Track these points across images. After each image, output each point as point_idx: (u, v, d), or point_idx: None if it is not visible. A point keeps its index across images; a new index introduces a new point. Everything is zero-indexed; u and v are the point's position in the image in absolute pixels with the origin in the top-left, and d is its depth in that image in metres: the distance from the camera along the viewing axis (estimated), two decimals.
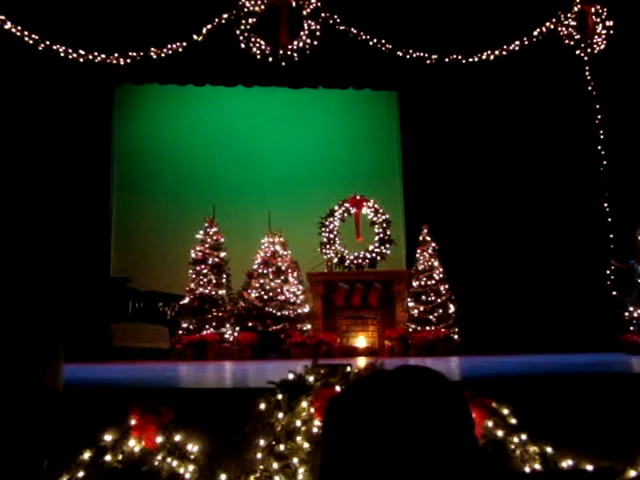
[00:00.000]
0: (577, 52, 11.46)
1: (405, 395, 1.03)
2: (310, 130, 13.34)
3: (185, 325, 10.16)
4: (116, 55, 10.70)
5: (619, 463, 3.85)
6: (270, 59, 10.94)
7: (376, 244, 11.02)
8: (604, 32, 11.31)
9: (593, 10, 11.41)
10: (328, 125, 13.37)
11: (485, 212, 11.47)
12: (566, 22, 11.48)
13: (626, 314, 9.31)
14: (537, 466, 3.78)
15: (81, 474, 3.34)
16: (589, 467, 3.81)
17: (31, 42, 10.31)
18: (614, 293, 10.37)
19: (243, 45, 10.90)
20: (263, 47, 10.92)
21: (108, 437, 3.47)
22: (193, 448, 3.54)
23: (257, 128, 13.19)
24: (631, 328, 9.17)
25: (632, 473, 3.78)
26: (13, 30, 10.23)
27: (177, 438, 3.52)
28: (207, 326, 10.07)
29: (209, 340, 9.85)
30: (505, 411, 3.97)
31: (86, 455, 3.41)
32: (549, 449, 3.87)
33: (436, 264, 10.78)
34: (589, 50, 11.41)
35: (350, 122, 13.46)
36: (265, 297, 10.40)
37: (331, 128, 13.35)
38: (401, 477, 0.97)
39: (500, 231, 11.17)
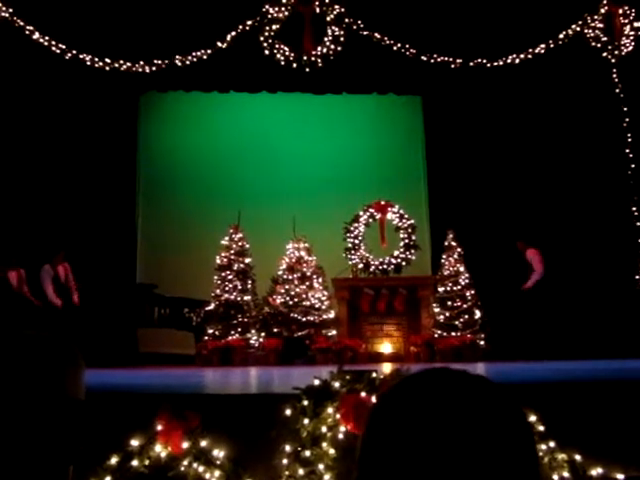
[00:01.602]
0: (604, 54, 11.42)
1: (452, 399, 0.93)
2: (334, 136, 13.33)
3: (211, 331, 10.21)
4: (141, 63, 10.85)
5: None
6: (294, 65, 11.01)
7: (401, 249, 11.02)
8: (632, 33, 11.22)
9: (620, 11, 11.30)
10: (352, 130, 13.35)
11: (511, 217, 11.40)
12: (593, 24, 11.40)
13: None
14: (566, 474, 3.72)
15: (108, 479, 3.36)
16: (620, 476, 3.72)
17: (58, 51, 10.50)
18: None
19: (267, 52, 10.97)
20: (287, 53, 10.98)
21: (135, 442, 3.48)
22: (219, 454, 3.55)
23: (281, 134, 13.21)
24: None
25: None
26: (41, 40, 10.42)
27: (203, 443, 3.52)
28: (232, 332, 10.12)
29: (234, 346, 9.90)
30: (532, 418, 3.92)
31: (113, 460, 3.43)
32: (578, 457, 3.80)
33: (462, 269, 10.75)
34: (616, 52, 11.32)
35: (374, 127, 13.43)
36: (290, 303, 10.42)
37: (355, 133, 13.33)
38: None
39: (527, 236, 11.02)
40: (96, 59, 10.64)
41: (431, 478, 0.89)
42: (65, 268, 9.83)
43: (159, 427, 3.48)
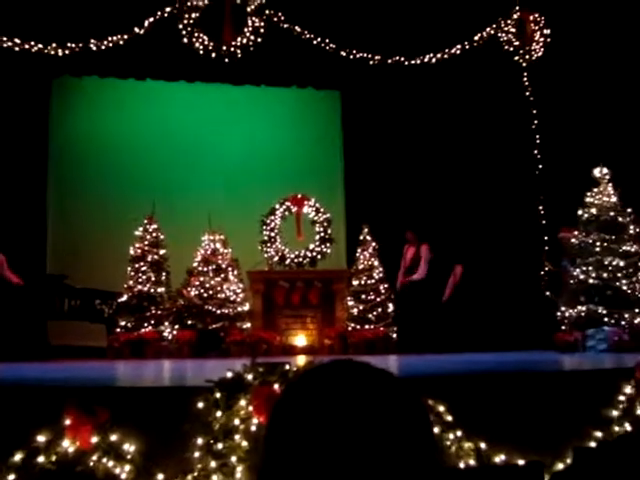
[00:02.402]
0: (516, 58, 11.74)
1: (354, 389, 0.96)
2: (253, 128, 13.20)
3: (123, 323, 10.00)
4: (54, 45, 10.44)
5: (548, 457, 3.98)
6: (213, 55, 10.87)
7: (317, 243, 11.05)
8: (542, 40, 11.60)
9: (532, 18, 11.68)
10: (271, 123, 13.26)
11: (424, 212, 11.60)
12: (506, 28, 11.72)
13: (558, 314, 9.63)
14: (471, 461, 3.87)
15: (12, 477, 3.26)
16: (520, 461, 3.91)
17: None
18: (548, 294, 10.69)
19: (186, 40, 10.77)
20: (206, 42, 10.82)
21: (41, 438, 3.39)
22: (130, 448, 3.50)
23: (199, 125, 13.00)
24: (562, 327, 9.48)
25: (560, 466, 3.92)
26: None
27: (113, 438, 3.47)
28: (145, 324, 9.94)
29: (147, 338, 9.73)
30: (441, 408, 4.05)
31: (17, 457, 3.33)
32: (483, 445, 3.96)
33: (376, 263, 10.93)
34: (527, 57, 11.67)
35: (293, 120, 13.39)
36: (205, 295, 10.30)
37: (274, 126, 13.24)
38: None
39: (438, 231, 11.28)
40: (4, 39, 10.20)
41: (330, 468, 0.91)
42: None
43: (67, 422, 3.40)
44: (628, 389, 4.46)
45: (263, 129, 13.25)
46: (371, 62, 11.43)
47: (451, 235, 11.31)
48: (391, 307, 10.63)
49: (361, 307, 10.69)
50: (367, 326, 10.48)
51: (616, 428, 4.22)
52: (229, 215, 11.45)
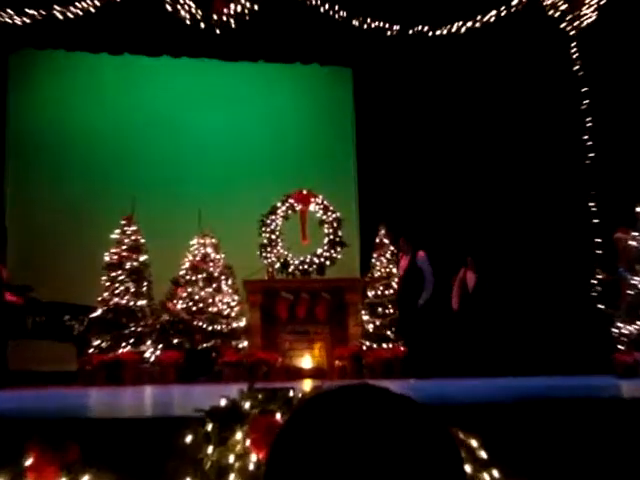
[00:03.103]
0: (562, 25, 11.46)
1: (370, 419, 0.94)
2: (249, 112, 13.20)
3: (97, 342, 9.97)
4: (11, 12, 10.23)
5: None
6: (202, 25, 10.78)
7: (325, 247, 11.09)
8: (594, 2, 11.18)
9: None
10: (270, 107, 13.23)
11: (452, 210, 11.59)
12: None
13: (614, 331, 9.28)
14: None
15: None
16: None
17: None
18: (601, 307, 10.38)
19: (169, 7, 10.63)
20: (193, 11, 10.72)
21: None
22: None
23: (186, 108, 13.00)
24: (620, 347, 9.12)
25: None
26: None
27: (84, 479, 3.42)
28: (123, 343, 9.93)
29: (126, 360, 9.71)
30: (474, 443, 3.96)
31: None
32: None
33: (395, 271, 10.83)
34: (576, 23, 11.40)
35: (296, 104, 13.37)
36: (194, 309, 10.35)
37: (274, 110, 13.22)
38: None
39: (471, 233, 11.27)
40: None
41: None
42: None
43: (28, 461, 3.36)
44: None
45: (261, 113, 13.24)
46: (388, 33, 11.30)
47: (487, 237, 11.30)
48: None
49: (378, 322, 10.66)
50: (385, 345, 10.45)
51: None
52: (222, 215, 11.51)
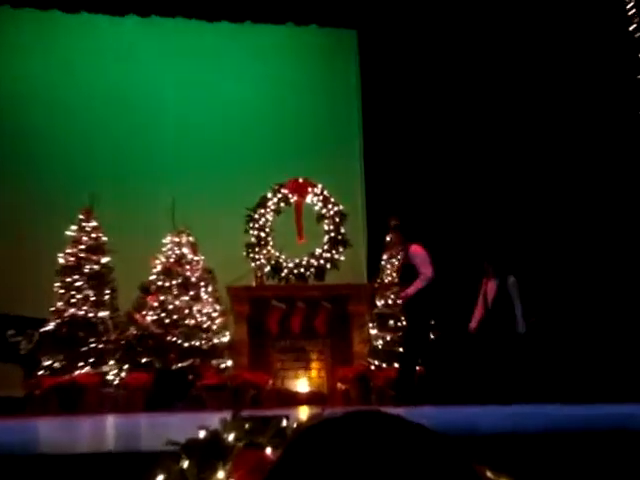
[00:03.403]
0: None
1: (379, 453, 0.94)
2: (235, 85, 13.29)
3: (48, 362, 9.90)
4: None
5: None
6: None
7: (325, 247, 11.14)
8: None
9: None
10: (260, 79, 13.35)
11: (479, 201, 11.65)
12: None
13: None
14: None
15: None
16: None
17: None
18: None
19: None
20: None
21: None
22: None
23: (158, 78, 13.05)
24: None
25: None
26: None
27: None
28: (81, 363, 9.88)
29: (84, 384, 9.64)
30: None
31: None
32: None
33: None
34: None
35: (291, 75, 13.46)
36: (166, 321, 10.33)
37: (264, 83, 13.33)
38: None
39: (502, 226, 11.28)
40: None
41: None
42: None
43: None
44: None
45: (249, 85, 13.29)
46: None
47: (519, 233, 11.24)
48: (431, 337, 10.32)
49: (388, 337, 10.64)
50: (397, 364, 10.14)
51: None
52: (201, 208, 11.69)
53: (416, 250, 9.22)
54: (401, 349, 9.68)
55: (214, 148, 12.83)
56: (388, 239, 11.09)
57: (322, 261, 11.08)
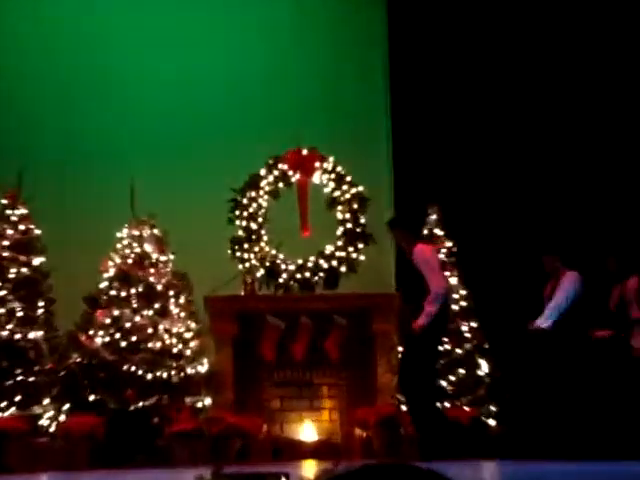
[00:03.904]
0: None
1: None
2: (221, 32, 13.55)
3: None
4: None
5: None
6: None
7: (339, 242, 11.08)
8: None
9: None
10: (262, 31, 13.60)
11: (531, 188, 12.01)
12: None
13: None
14: None
15: None
16: None
17: None
18: None
19: None
20: None
21: None
22: None
23: (113, 31, 13.28)
24: None
25: None
26: None
27: None
28: (4, 403, 9.62)
29: (8, 431, 9.32)
30: None
31: None
32: None
33: (454, 281, 10.72)
34: None
35: (299, 23, 13.76)
36: (123, 344, 10.07)
37: (266, 38, 13.56)
38: None
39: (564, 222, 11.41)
40: None
41: None
42: None
43: None
44: None
45: (247, 42, 13.56)
46: None
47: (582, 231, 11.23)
48: (484, 367, 10.59)
49: None
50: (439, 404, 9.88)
51: None
52: (171, 192, 12.03)
53: (421, 252, 8.48)
54: (405, 392, 9.06)
55: (190, 114, 13.02)
56: (425, 233, 10.84)
57: (335, 262, 11.01)
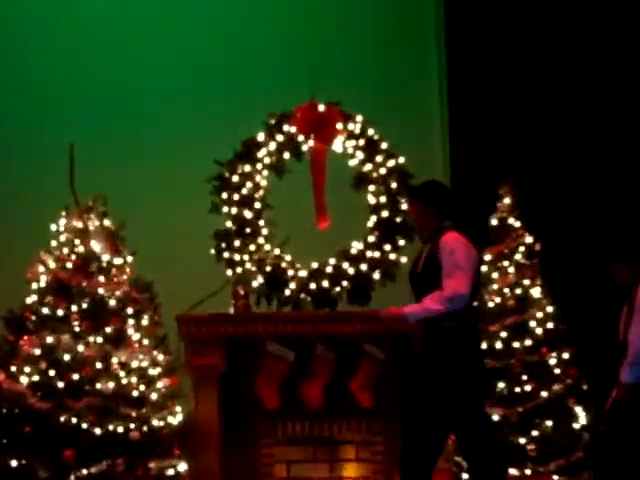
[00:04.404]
0: None
1: None
2: None
3: None
4: None
5: None
6: None
7: (371, 238, 10.68)
8: None
9: None
10: None
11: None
12: None
13: None
14: None
15: None
16: None
17: None
18: None
19: None
20: None
21: None
22: None
23: None
24: None
25: None
26: None
27: None
28: None
29: None
30: None
31: None
32: None
33: (535, 292, 10.37)
34: None
35: None
36: (60, 385, 9.32)
37: None
38: None
39: None
40: None
41: None
42: None
43: None
44: None
45: None
46: None
47: None
48: (583, 419, 10.01)
49: (497, 415, 9.89)
50: (514, 470, 9.70)
51: None
52: (128, 167, 12.09)
53: (456, 241, 7.41)
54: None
55: (163, 56, 12.99)
56: (494, 223, 10.59)
57: (365, 266, 10.52)
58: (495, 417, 9.97)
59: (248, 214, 10.58)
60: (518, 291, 10.45)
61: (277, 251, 10.56)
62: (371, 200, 10.69)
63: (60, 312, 9.60)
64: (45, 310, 9.65)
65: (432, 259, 7.28)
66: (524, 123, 12.60)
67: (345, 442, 10.19)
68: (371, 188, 10.70)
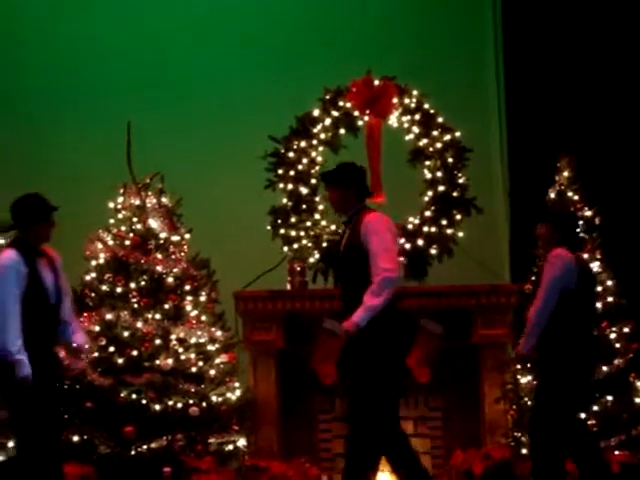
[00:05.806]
0: None
1: None
2: None
3: None
4: None
5: None
6: None
7: (427, 212, 10.95)
8: None
9: None
10: None
11: None
12: None
13: None
14: None
15: None
16: None
17: None
18: None
19: None
20: None
21: None
22: None
23: None
24: None
25: None
26: None
27: None
28: None
29: None
30: None
31: None
32: None
33: (595, 266, 10.22)
34: None
35: None
36: (119, 361, 9.63)
37: None
38: None
39: None
40: None
41: None
42: None
43: None
44: None
45: None
46: None
47: None
48: None
49: None
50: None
51: None
52: (184, 144, 12.24)
53: (379, 221, 7.94)
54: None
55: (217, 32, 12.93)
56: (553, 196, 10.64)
57: (421, 241, 10.83)
58: None
59: (304, 190, 10.85)
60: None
61: (333, 227, 10.76)
62: (427, 175, 10.94)
63: (119, 289, 9.94)
64: (104, 287, 10.02)
65: (354, 240, 7.82)
66: (582, 93, 12.62)
67: (402, 417, 9.16)
68: (427, 163, 10.96)
